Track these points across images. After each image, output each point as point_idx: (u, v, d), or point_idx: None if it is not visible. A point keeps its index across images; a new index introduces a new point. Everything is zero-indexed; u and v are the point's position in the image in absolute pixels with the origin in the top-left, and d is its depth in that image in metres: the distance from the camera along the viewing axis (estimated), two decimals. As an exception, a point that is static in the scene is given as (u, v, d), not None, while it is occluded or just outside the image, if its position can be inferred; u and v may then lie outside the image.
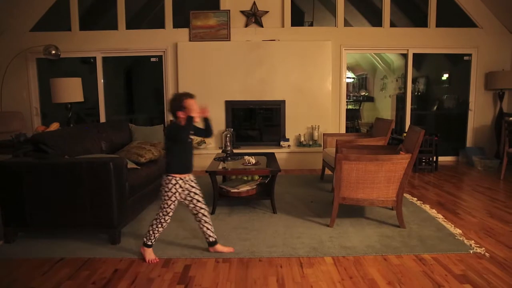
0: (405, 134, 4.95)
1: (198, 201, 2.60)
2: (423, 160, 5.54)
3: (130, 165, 3.40)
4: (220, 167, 3.82)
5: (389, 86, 9.11)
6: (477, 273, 2.37)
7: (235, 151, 4.72)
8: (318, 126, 5.90)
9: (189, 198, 2.59)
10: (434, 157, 5.48)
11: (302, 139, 5.93)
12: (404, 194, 3.88)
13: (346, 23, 6.18)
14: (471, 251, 2.68)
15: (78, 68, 6.53)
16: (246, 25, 5.93)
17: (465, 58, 6.23)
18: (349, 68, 10.28)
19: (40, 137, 3.20)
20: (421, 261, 2.55)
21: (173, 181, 2.49)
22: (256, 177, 3.99)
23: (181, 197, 2.57)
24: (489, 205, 3.82)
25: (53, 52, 5.43)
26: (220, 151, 5.20)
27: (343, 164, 3.09)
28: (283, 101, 5.92)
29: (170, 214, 2.55)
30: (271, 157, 4.26)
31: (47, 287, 2.26)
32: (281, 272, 2.42)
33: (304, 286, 2.25)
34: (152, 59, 6.13)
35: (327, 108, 5.96)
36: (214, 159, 4.19)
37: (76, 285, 2.29)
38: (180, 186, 2.52)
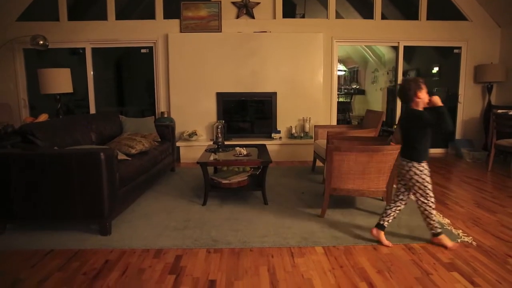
0: (395, 126, 4.99)
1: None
2: (413, 152, 5.58)
3: (121, 156, 3.38)
4: (212, 158, 3.80)
5: (380, 79, 9.16)
6: (464, 261, 2.42)
7: (226, 143, 4.70)
8: (310, 118, 5.92)
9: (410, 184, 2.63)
10: (424, 149, 5.52)
11: (294, 131, 5.93)
12: (394, 185, 3.91)
13: (338, 15, 6.18)
14: (459, 240, 2.73)
15: (67, 59, 6.43)
16: (238, 17, 5.89)
17: (455, 51, 6.27)
18: (341, 61, 10.31)
19: (28, 128, 3.15)
20: (410, 250, 2.59)
21: (424, 165, 2.56)
22: (248, 168, 4.00)
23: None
24: (477, 196, 3.88)
25: (41, 42, 5.33)
26: (211, 142, 5.18)
27: (334, 155, 3.11)
28: (275, 93, 5.91)
29: (432, 195, 2.60)
30: (262, 148, 4.27)
31: (36, 279, 2.24)
32: (272, 261, 2.44)
33: (295, 275, 2.27)
34: (143, 50, 6.05)
35: (318, 100, 5.97)
36: (206, 150, 4.17)
37: (66, 276, 2.28)
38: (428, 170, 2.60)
